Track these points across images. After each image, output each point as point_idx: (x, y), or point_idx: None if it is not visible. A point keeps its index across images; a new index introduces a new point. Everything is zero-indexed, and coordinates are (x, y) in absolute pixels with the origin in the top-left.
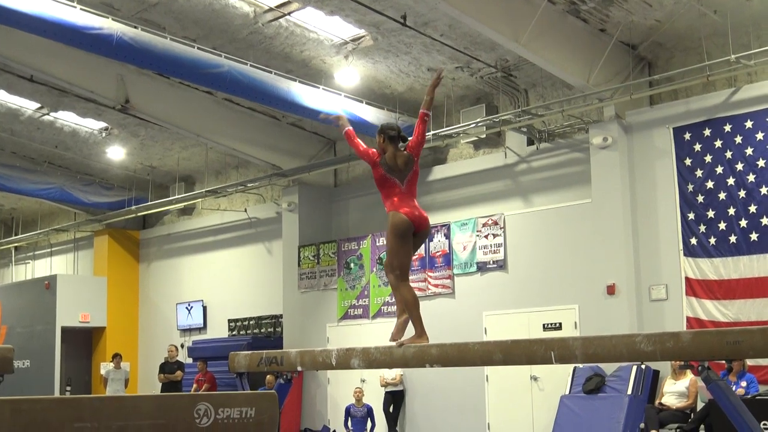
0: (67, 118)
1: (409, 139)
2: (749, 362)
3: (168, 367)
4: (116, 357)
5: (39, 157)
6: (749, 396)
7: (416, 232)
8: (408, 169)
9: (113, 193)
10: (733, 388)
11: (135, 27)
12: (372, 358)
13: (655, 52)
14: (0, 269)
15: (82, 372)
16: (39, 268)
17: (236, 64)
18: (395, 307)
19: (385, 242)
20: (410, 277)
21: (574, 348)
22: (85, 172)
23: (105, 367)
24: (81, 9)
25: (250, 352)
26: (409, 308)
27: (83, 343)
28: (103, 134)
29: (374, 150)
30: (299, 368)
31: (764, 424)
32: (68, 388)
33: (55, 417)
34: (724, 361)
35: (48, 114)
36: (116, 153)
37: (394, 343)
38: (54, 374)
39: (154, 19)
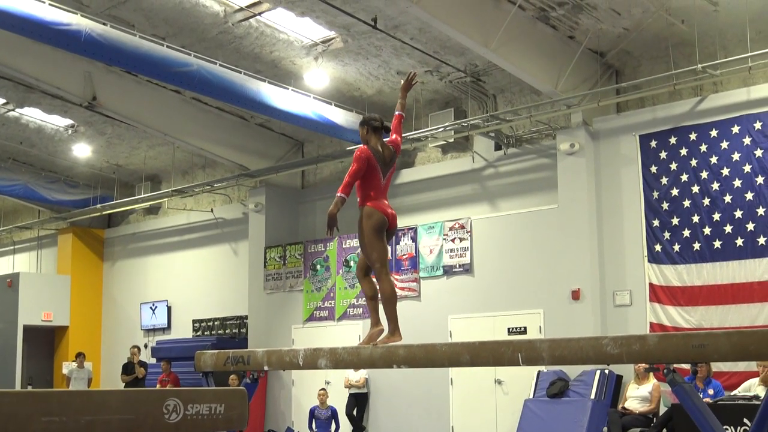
0: (32, 114)
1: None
2: (713, 368)
3: (130, 367)
4: (79, 356)
5: (3, 153)
6: (712, 402)
7: (388, 229)
8: (391, 163)
9: (78, 191)
10: (701, 395)
11: (104, 24)
12: (339, 359)
13: (623, 60)
14: None
15: (44, 371)
16: (1, 265)
17: (205, 64)
18: (361, 309)
19: (352, 244)
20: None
21: (541, 350)
22: (50, 170)
23: (67, 367)
24: (49, 4)
25: (216, 351)
26: (386, 302)
27: (45, 342)
28: (69, 131)
29: (358, 150)
30: (266, 368)
31: (726, 429)
32: (29, 388)
33: (23, 411)
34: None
35: (13, 110)
36: (82, 151)
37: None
38: (15, 373)
39: (123, 16)
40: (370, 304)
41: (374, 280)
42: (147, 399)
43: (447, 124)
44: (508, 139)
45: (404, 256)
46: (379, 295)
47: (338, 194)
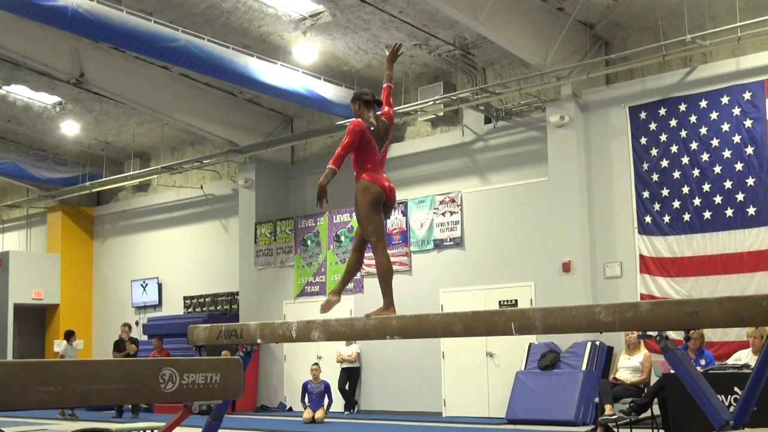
0: (20, 92)
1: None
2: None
3: (122, 344)
4: (71, 334)
5: None
6: (703, 371)
7: (386, 202)
8: (386, 136)
9: (67, 169)
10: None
11: None
12: (332, 330)
13: (612, 32)
14: None
15: (35, 350)
16: None
17: (193, 39)
18: (352, 284)
19: (342, 219)
20: (368, 254)
21: (534, 319)
22: (39, 148)
23: (59, 345)
24: None
25: (209, 324)
26: (382, 276)
27: (36, 320)
28: (57, 109)
29: (352, 123)
30: (259, 341)
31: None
32: None
33: (19, 381)
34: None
35: (0, 88)
36: (70, 128)
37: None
38: (6, 352)
39: None
40: (344, 276)
41: (362, 256)
42: (142, 369)
43: (436, 97)
44: (498, 112)
45: (395, 231)
46: (376, 269)
47: (329, 166)
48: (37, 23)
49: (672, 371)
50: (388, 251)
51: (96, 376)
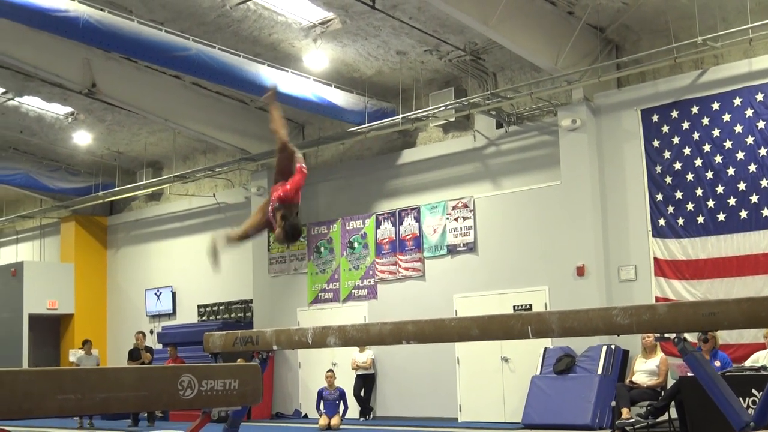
0: (32, 103)
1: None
2: (719, 341)
3: (136, 353)
4: (86, 343)
5: (4, 143)
6: (720, 373)
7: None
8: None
9: (80, 179)
10: None
11: (102, 9)
12: (348, 336)
13: (623, 35)
14: None
15: (50, 359)
16: (5, 255)
17: (204, 48)
18: (366, 290)
19: (355, 226)
20: (381, 260)
21: (550, 322)
22: (51, 158)
23: (74, 354)
24: None
25: (225, 332)
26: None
27: (51, 330)
28: (69, 119)
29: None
30: (275, 347)
31: None
32: None
33: (37, 389)
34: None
35: (13, 99)
36: (83, 138)
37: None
38: (22, 362)
39: (120, 1)
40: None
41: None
42: (161, 376)
43: (448, 103)
44: (510, 117)
45: (408, 237)
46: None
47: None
48: (49, 34)
49: (689, 374)
50: (401, 257)
51: (115, 384)
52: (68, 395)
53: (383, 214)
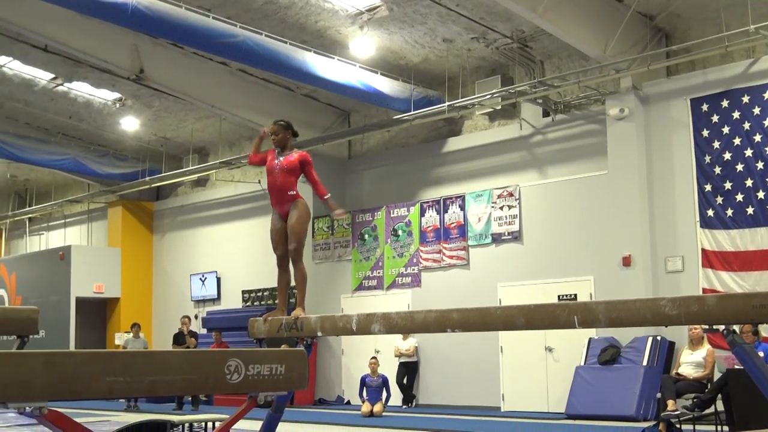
0: (81, 88)
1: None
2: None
3: (181, 337)
4: (135, 326)
5: (53, 128)
6: None
7: None
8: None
9: (127, 165)
10: None
11: None
12: (393, 323)
13: (673, 23)
14: (14, 240)
15: (97, 342)
16: (53, 239)
17: (251, 34)
18: (410, 278)
19: (399, 213)
20: (425, 248)
21: (597, 312)
22: (99, 143)
23: (120, 337)
24: None
25: (270, 317)
26: (303, 284)
27: (97, 313)
28: (117, 105)
29: (306, 155)
30: (319, 333)
31: None
32: None
33: (87, 371)
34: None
35: (62, 84)
36: (130, 124)
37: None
38: (69, 345)
39: None
40: (281, 293)
41: (288, 271)
42: (209, 360)
43: (494, 91)
44: (556, 106)
45: (452, 225)
46: (298, 278)
47: (328, 195)
48: (98, 20)
49: (736, 366)
50: (445, 245)
51: (163, 367)
52: (117, 377)
53: (428, 202)
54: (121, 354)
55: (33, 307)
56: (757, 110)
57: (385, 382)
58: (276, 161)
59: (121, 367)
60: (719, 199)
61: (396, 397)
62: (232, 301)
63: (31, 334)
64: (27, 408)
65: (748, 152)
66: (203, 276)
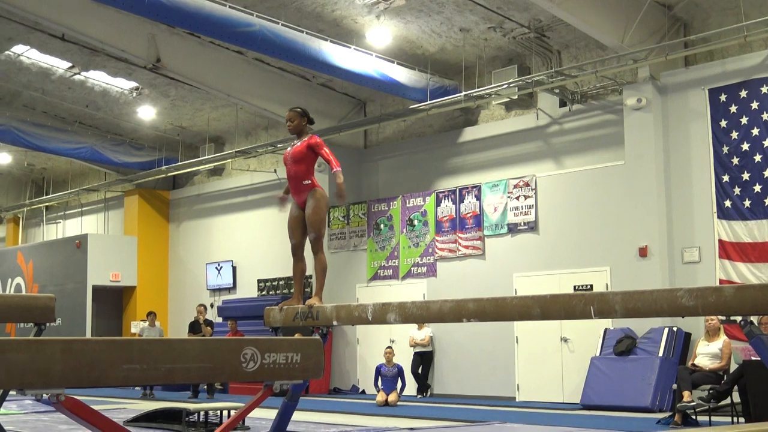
0: (98, 77)
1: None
2: None
3: (197, 326)
4: (151, 315)
5: (70, 116)
6: None
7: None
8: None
9: (143, 153)
10: None
11: None
12: (408, 313)
13: (691, 13)
14: (31, 229)
15: (113, 330)
16: (70, 227)
17: (268, 23)
18: (425, 267)
19: (415, 203)
20: (441, 238)
21: (613, 302)
22: (116, 132)
23: (136, 326)
24: None
25: (286, 306)
26: (323, 273)
27: (114, 302)
28: (134, 94)
29: (318, 138)
30: (335, 322)
31: None
32: None
33: (105, 358)
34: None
35: (79, 73)
36: (147, 113)
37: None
38: (85, 333)
39: None
40: (297, 282)
41: (303, 260)
42: (225, 348)
43: (511, 80)
44: (573, 96)
45: (468, 215)
46: (318, 266)
47: (338, 168)
48: (115, 9)
49: (753, 358)
50: (461, 235)
51: (180, 355)
52: (134, 365)
53: (444, 192)
54: (138, 342)
55: (50, 295)
56: None
57: (400, 372)
58: (289, 151)
59: (138, 354)
60: (737, 190)
61: (411, 387)
62: (247, 290)
63: (49, 321)
64: (45, 395)
65: (767, 143)
66: (219, 265)
